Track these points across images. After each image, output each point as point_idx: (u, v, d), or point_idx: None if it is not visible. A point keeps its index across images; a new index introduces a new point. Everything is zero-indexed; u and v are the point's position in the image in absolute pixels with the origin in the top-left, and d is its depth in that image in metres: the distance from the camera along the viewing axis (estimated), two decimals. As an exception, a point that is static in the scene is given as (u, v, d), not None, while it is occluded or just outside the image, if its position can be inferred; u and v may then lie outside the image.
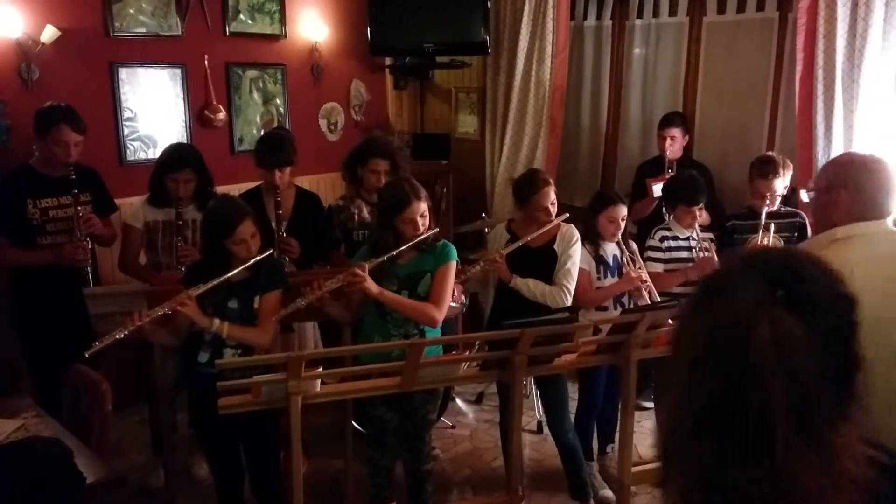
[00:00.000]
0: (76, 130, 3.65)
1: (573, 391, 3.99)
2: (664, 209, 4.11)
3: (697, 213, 3.85)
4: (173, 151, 3.85)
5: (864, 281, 2.05)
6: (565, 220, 3.61)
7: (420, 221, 3.08)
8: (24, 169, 3.73)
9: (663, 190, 4.18)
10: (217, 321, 2.93)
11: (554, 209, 3.58)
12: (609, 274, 3.75)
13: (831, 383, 1.09)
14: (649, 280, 3.69)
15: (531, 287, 3.50)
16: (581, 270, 3.67)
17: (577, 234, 3.60)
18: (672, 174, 4.41)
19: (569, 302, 3.50)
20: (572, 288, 3.53)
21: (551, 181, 3.64)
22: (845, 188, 2.18)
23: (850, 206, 2.17)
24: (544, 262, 3.55)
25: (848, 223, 2.17)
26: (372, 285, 3.01)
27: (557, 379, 3.57)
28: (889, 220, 2.21)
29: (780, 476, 1.02)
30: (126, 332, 2.80)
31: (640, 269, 3.74)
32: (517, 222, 3.70)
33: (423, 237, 3.09)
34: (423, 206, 3.11)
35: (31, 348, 3.83)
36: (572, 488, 3.69)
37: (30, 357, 3.85)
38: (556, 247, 3.56)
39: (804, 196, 3.70)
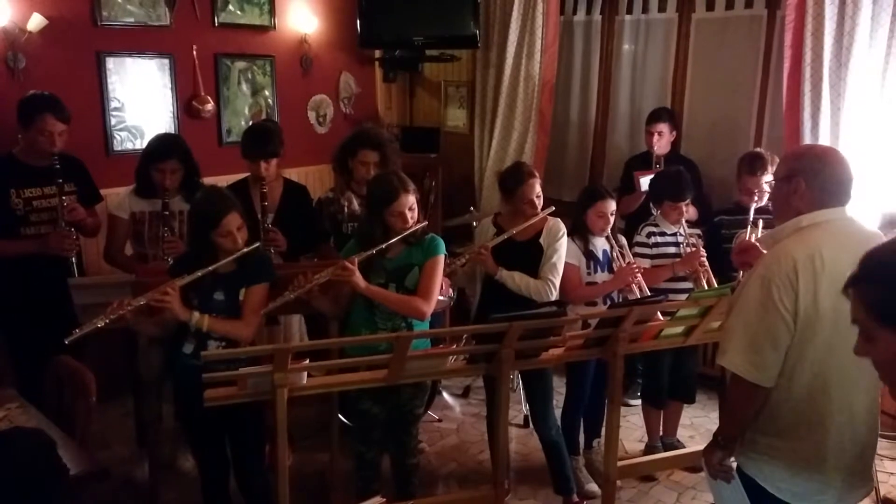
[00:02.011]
0: (60, 119, 3.62)
1: (561, 385, 4.00)
2: (651, 204, 4.11)
3: (684, 209, 3.86)
4: (159, 141, 3.83)
5: (831, 265, 2.10)
6: (552, 214, 3.61)
7: (409, 214, 3.07)
8: (8, 158, 3.70)
9: (650, 185, 4.18)
10: (196, 314, 2.91)
11: (540, 202, 3.58)
12: (599, 269, 3.75)
13: None
14: (640, 275, 3.70)
15: (516, 280, 3.50)
16: (571, 266, 3.67)
17: (563, 228, 3.60)
18: (660, 169, 4.42)
19: (554, 296, 3.49)
20: (557, 282, 3.53)
21: (536, 174, 3.63)
22: (804, 176, 2.23)
23: (810, 193, 2.23)
24: (530, 256, 3.55)
25: (810, 210, 2.23)
26: (360, 280, 3.00)
27: (542, 375, 3.57)
28: (847, 208, 2.27)
29: None
30: (107, 321, 2.78)
31: (630, 262, 3.75)
32: (504, 216, 3.69)
33: (411, 230, 3.08)
34: (412, 199, 3.10)
35: (15, 339, 3.80)
36: (556, 483, 3.70)
37: (13, 348, 3.82)
38: (541, 240, 3.56)
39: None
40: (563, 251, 3.57)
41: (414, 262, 3.14)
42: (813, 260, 2.12)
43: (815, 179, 2.23)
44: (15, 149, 3.73)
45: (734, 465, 2.36)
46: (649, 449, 4.17)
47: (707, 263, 3.75)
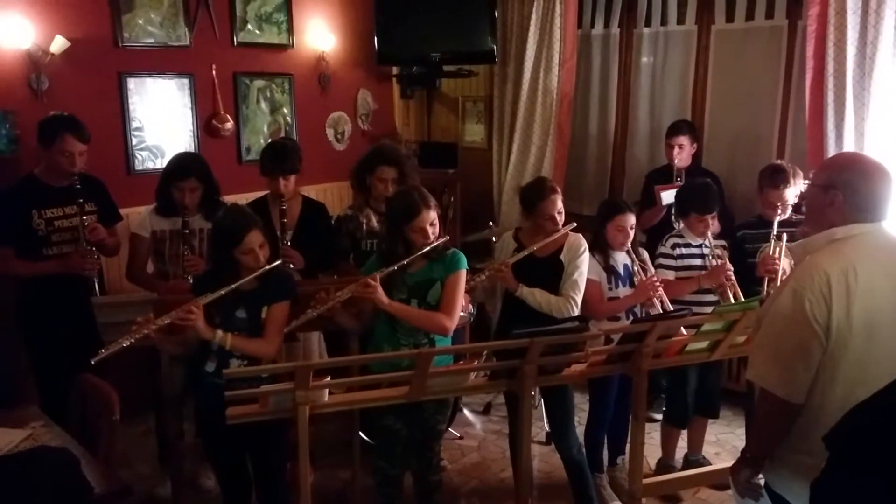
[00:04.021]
0: (80, 140, 3.65)
1: (584, 402, 3.96)
2: (674, 217, 4.07)
3: (710, 222, 3.81)
4: (179, 160, 3.86)
5: (865, 280, 2.06)
6: (573, 230, 3.58)
7: (430, 230, 3.06)
8: (29, 179, 3.72)
9: (675, 198, 4.14)
10: (220, 333, 2.91)
11: (561, 218, 3.55)
12: (620, 284, 3.72)
13: None
14: (662, 288, 3.66)
15: (537, 297, 3.47)
16: (592, 281, 3.63)
17: (584, 244, 3.57)
18: (680, 183, 4.38)
19: (575, 313, 3.45)
20: (579, 299, 3.49)
21: (558, 189, 3.60)
22: (843, 191, 2.18)
23: (846, 208, 2.18)
24: (550, 272, 3.52)
25: (844, 224, 2.18)
26: (383, 297, 2.99)
27: (563, 392, 3.53)
28: (884, 224, 2.22)
29: None
30: (132, 340, 2.78)
31: (651, 276, 3.71)
32: (524, 231, 3.67)
33: (433, 245, 3.07)
34: (433, 215, 3.09)
35: (38, 358, 3.81)
36: (578, 502, 3.64)
37: (37, 366, 3.83)
38: (562, 257, 3.52)
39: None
40: (584, 267, 3.53)
41: (436, 278, 3.13)
42: (847, 275, 2.08)
43: (853, 196, 2.17)
44: (36, 169, 3.75)
45: (762, 482, 2.32)
46: (663, 467, 4.10)
47: (734, 277, 3.70)
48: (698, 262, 3.83)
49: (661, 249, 3.89)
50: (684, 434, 4.17)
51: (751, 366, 2.25)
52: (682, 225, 3.92)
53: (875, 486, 1.58)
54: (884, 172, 2.24)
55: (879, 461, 1.58)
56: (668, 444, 4.11)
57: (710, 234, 3.82)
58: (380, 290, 2.98)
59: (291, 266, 3.75)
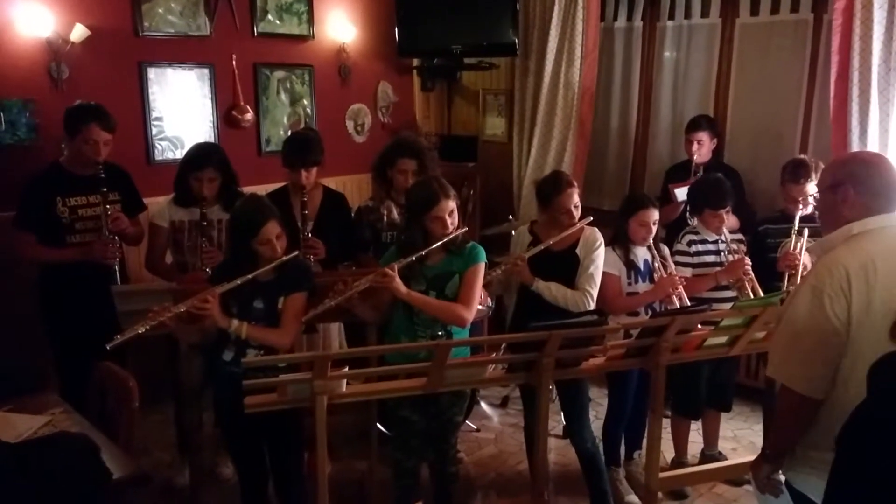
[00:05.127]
0: (106, 129, 3.67)
1: (602, 396, 3.94)
2: (688, 214, 4.04)
3: (724, 217, 3.78)
4: (197, 150, 3.86)
5: (885, 274, 2.04)
6: (589, 224, 3.56)
7: (449, 220, 3.05)
8: (54, 167, 3.75)
9: (688, 194, 4.11)
10: (236, 322, 2.92)
11: (577, 212, 3.52)
12: (640, 279, 3.69)
13: None
14: (681, 286, 3.63)
15: (552, 291, 3.45)
16: (611, 276, 3.61)
17: (600, 238, 3.54)
18: (696, 178, 4.35)
19: (591, 307, 3.44)
20: (595, 293, 3.47)
21: (574, 183, 3.58)
22: (851, 184, 2.19)
23: (859, 200, 2.19)
24: (566, 266, 3.50)
25: (860, 218, 2.18)
26: (400, 286, 2.99)
27: (578, 386, 3.52)
28: None
29: None
30: (148, 327, 2.79)
31: (671, 273, 3.67)
32: (540, 224, 3.65)
33: (452, 236, 3.06)
34: (452, 205, 3.08)
35: (58, 345, 3.85)
36: (593, 496, 3.62)
37: (57, 353, 3.87)
38: (578, 251, 3.50)
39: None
40: (600, 261, 3.51)
41: (454, 270, 3.12)
42: (866, 269, 2.07)
43: (862, 186, 2.19)
44: (61, 158, 3.78)
45: (782, 479, 2.30)
46: (676, 465, 4.07)
47: (752, 272, 3.66)
48: (713, 258, 3.80)
49: (678, 246, 3.86)
50: (698, 430, 4.14)
51: (771, 362, 2.25)
52: (696, 221, 3.88)
53: (878, 483, 1.58)
54: (883, 159, 2.29)
55: (873, 457, 1.59)
56: (679, 438, 4.07)
57: (725, 228, 3.79)
58: (397, 279, 2.98)
59: (314, 256, 3.76)
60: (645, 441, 3.49)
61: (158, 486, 3.82)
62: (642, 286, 3.70)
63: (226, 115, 5.03)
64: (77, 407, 2.99)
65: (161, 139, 4.76)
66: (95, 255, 3.64)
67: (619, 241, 3.70)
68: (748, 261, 3.68)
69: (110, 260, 3.66)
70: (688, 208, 4.04)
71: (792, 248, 3.65)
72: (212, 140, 4.87)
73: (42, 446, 2.13)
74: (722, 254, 3.80)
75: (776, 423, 2.40)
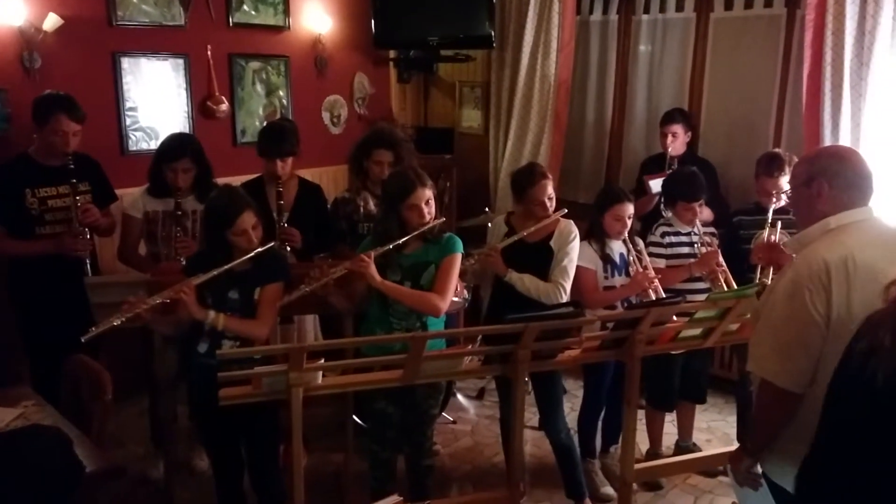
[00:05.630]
0: (74, 119, 3.62)
1: (578, 388, 3.96)
2: (662, 206, 4.07)
3: (698, 209, 3.81)
4: (171, 141, 3.83)
5: (864, 268, 2.06)
6: (564, 217, 3.57)
7: (425, 209, 3.05)
8: (23, 158, 3.70)
9: (662, 187, 4.14)
10: (212, 313, 2.90)
11: (552, 203, 3.53)
12: (616, 273, 3.71)
13: None
14: (657, 280, 3.65)
15: (526, 283, 3.45)
16: (587, 270, 3.63)
17: (575, 231, 3.55)
18: (671, 171, 4.38)
19: (564, 299, 3.43)
20: (568, 286, 3.47)
21: (549, 175, 3.58)
22: (825, 178, 2.20)
23: (834, 193, 2.20)
24: (540, 258, 3.50)
25: (836, 212, 2.19)
26: (375, 273, 2.98)
27: (552, 378, 3.54)
28: (872, 206, 2.24)
29: None
30: (123, 319, 2.77)
31: (646, 267, 3.70)
32: (516, 216, 3.65)
33: (429, 226, 3.06)
34: (429, 194, 3.07)
35: (31, 337, 3.80)
36: (568, 487, 3.65)
37: (29, 346, 3.82)
38: (552, 243, 3.51)
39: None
40: (574, 254, 3.52)
41: (430, 260, 3.12)
42: (846, 263, 2.07)
43: (836, 179, 2.19)
44: (30, 148, 3.73)
45: (761, 472, 2.31)
46: (651, 456, 4.10)
47: (724, 264, 3.70)
48: (687, 249, 3.84)
49: (651, 238, 3.89)
50: (672, 421, 4.18)
51: (751, 357, 2.24)
52: (670, 213, 3.91)
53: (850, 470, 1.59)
54: (855, 153, 2.31)
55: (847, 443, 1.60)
56: (653, 430, 4.10)
57: (698, 221, 3.82)
58: (372, 266, 2.97)
59: (290, 245, 3.74)
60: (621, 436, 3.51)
61: (132, 479, 3.79)
62: (619, 280, 3.72)
63: (201, 106, 4.98)
64: (50, 400, 2.96)
65: (135, 129, 4.70)
66: (65, 249, 3.60)
67: (595, 235, 3.72)
68: (719, 253, 3.72)
69: (81, 253, 3.63)
70: (662, 200, 4.07)
71: (765, 240, 3.68)
72: (186, 131, 4.82)
73: (14, 440, 2.11)
74: (695, 245, 3.84)
75: (757, 417, 2.40)
